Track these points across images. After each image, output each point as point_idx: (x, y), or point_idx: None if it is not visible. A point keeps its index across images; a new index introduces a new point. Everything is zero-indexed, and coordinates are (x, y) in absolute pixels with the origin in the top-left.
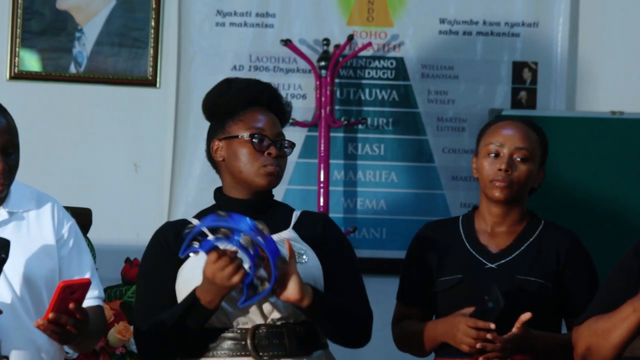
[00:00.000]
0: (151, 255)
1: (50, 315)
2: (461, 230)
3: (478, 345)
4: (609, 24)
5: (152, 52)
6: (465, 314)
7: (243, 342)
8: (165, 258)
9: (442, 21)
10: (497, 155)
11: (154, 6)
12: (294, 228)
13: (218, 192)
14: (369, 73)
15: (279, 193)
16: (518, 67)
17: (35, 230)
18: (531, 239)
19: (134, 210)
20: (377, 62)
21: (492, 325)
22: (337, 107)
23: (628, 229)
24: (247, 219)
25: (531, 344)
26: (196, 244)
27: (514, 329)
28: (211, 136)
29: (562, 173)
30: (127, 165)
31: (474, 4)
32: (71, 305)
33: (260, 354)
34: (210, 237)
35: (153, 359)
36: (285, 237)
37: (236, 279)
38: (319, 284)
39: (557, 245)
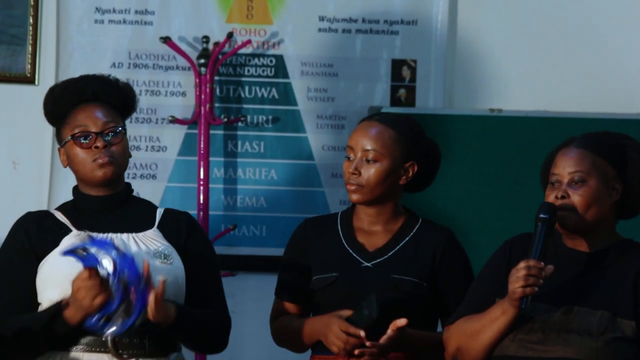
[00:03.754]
0: (10, 247)
1: None
2: (339, 228)
3: (356, 352)
4: (487, 22)
5: (30, 49)
6: (342, 316)
7: (103, 338)
8: (24, 251)
9: (322, 19)
10: (352, 157)
11: (32, 3)
12: (158, 227)
13: (75, 190)
14: (248, 70)
15: (158, 191)
16: (397, 65)
17: None
18: (407, 238)
19: (13, 207)
20: (256, 60)
21: (362, 333)
22: (216, 105)
23: (504, 227)
24: (109, 242)
25: (406, 343)
26: (82, 252)
27: (389, 331)
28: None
29: (440, 170)
30: (5, 162)
31: (353, 2)
32: None
33: (120, 351)
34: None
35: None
36: (150, 237)
37: (97, 301)
38: (181, 286)
39: (432, 243)
